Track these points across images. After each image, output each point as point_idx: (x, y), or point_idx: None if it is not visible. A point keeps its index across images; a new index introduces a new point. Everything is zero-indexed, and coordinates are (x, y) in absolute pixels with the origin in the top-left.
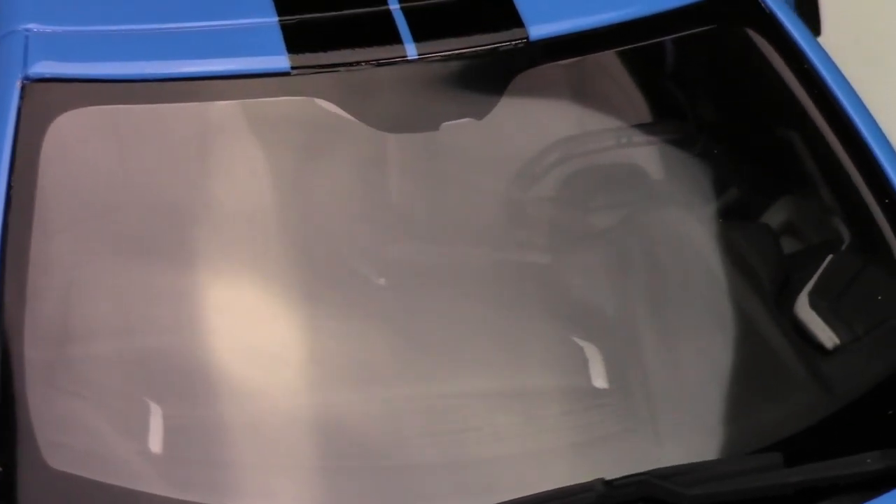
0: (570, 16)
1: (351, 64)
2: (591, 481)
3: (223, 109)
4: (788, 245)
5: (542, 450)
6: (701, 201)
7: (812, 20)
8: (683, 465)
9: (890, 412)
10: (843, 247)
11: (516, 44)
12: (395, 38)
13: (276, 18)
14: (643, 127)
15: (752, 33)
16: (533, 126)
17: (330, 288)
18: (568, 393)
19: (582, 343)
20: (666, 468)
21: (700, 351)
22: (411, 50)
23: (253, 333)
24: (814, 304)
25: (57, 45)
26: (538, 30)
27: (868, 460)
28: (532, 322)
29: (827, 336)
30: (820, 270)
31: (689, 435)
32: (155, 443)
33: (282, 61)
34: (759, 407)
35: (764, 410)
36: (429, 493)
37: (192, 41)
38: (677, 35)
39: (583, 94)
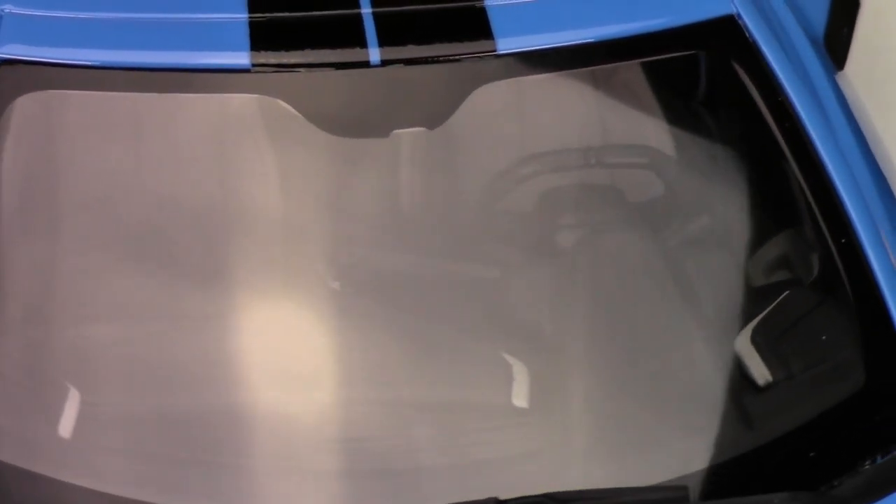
0: (544, 31)
1: (312, 65)
2: (485, 500)
3: (178, 102)
4: (742, 277)
5: (446, 464)
6: (660, 227)
7: (840, 53)
8: (586, 491)
9: (810, 453)
10: (796, 283)
11: (483, 56)
12: (361, 42)
13: (246, 15)
14: (607, 148)
15: (731, 62)
16: (488, 139)
17: (263, 283)
18: (487, 409)
19: (512, 361)
20: (566, 492)
21: (628, 378)
22: (375, 55)
23: (183, 321)
24: (755, 340)
25: (29, 27)
26: (507, 43)
27: (775, 501)
28: (467, 335)
29: (760, 372)
30: (769, 306)
31: (600, 460)
32: (77, 430)
33: (243, 58)
34: (677, 438)
35: (681, 441)
36: (320, 499)
37: (161, 32)
38: (652, 58)
39: (547, 110)
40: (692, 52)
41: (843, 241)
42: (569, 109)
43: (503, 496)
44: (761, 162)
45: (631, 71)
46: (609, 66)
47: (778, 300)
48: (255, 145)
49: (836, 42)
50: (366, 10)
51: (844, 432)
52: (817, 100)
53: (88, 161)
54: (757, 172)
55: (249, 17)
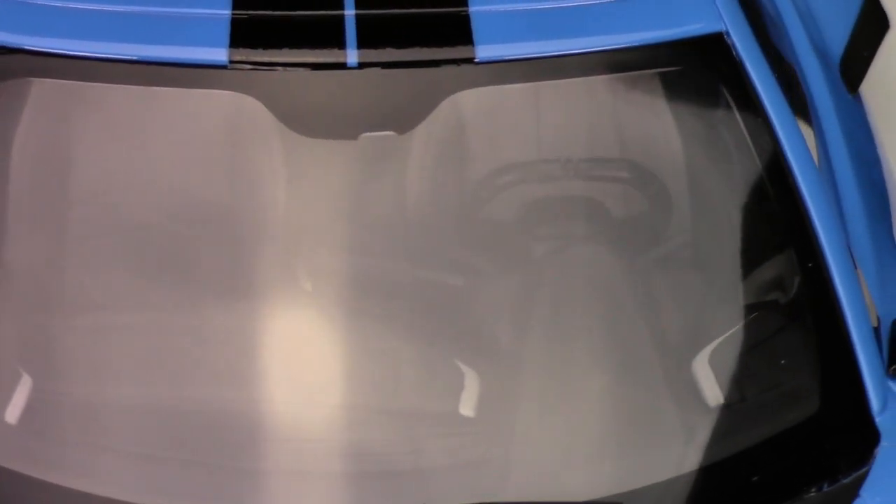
0: (526, 40)
1: (289, 65)
2: None
3: (153, 95)
4: (708, 298)
5: (382, 471)
6: (630, 243)
7: (856, 76)
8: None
9: (756, 478)
10: (761, 307)
11: (460, 62)
12: (340, 44)
13: (229, 12)
14: (581, 161)
15: (714, 80)
16: (458, 146)
17: (214, 280)
18: (433, 416)
19: (465, 369)
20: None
21: (579, 392)
22: (352, 57)
23: (139, 315)
24: (713, 361)
25: (9, 14)
26: (487, 51)
27: None
28: (423, 342)
29: (713, 393)
30: (731, 328)
31: (539, 474)
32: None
33: (221, 54)
34: (620, 454)
35: (624, 459)
36: (254, 499)
37: (143, 25)
38: (634, 73)
39: (523, 120)
40: (675, 68)
41: (810, 265)
42: (545, 120)
43: None
44: (736, 183)
45: (612, 84)
46: (589, 78)
47: (741, 323)
48: (222, 142)
49: (853, 64)
50: (349, 12)
51: (793, 459)
52: (818, 121)
53: (58, 150)
54: (731, 193)
55: (232, 14)
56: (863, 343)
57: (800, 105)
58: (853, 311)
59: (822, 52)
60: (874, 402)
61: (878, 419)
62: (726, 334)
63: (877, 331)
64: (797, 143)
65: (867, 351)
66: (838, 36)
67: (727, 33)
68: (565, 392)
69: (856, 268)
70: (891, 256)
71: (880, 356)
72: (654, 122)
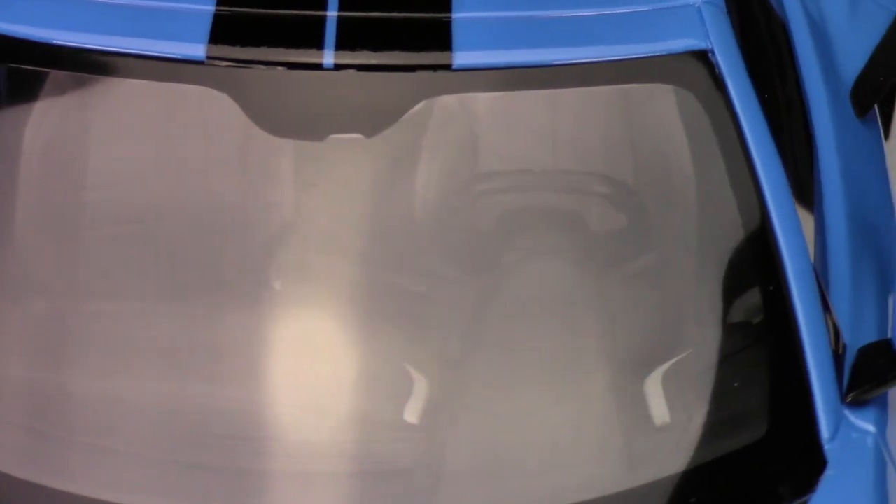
0: (506, 49)
1: (265, 63)
2: None
3: (130, 87)
4: (668, 318)
5: (312, 472)
6: (595, 258)
7: (867, 101)
8: None
9: (692, 500)
10: (720, 329)
11: (437, 68)
12: (318, 45)
13: (213, 8)
14: (549, 173)
15: (694, 98)
16: (425, 152)
17: (164, 275)
18: (374, 421)
19: (415, 375)
20: None
21: (524, 405)
22: (329, 58)
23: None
24: (665, 380)
25: None
26: (465, 57)
27: None
28: (374, 344)
29: (660, 412)
30: (688, 349)
31: (467, 487)
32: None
33: (199, 50)
34: (558, 470)
35: (561, 474)
36: (181, 492)
37: (127, 17)
38: (612, 86)
39: (495, 129)
40: (657, 83)
41: (771, 288)
42: (518, 130)
43: None
44: (705, 203)
45: (590, 97)
46: (566, 90)
47: (698, 343)
48: (191, 137)
49: (868, 87)
50: (331, 13)
51: (736, 482)
52: (815, 146)
53: (31, 138)
54: (699, 213)
55: (216, 10)
56: (819, 369)
57: (797, 127)
58: (811, 336)
59: (832, 73)
60: (824, 429)
61: (826, 447)
62: (682, 354)
63: (841, 358)
64: (771, 168)
65: (823, 377)
66: (856, 57)
67: (712, 52)
68: (510, 404)
69: (822, 293)
70: (872, 287)
71: (837, 384)
72: (630, 137)
